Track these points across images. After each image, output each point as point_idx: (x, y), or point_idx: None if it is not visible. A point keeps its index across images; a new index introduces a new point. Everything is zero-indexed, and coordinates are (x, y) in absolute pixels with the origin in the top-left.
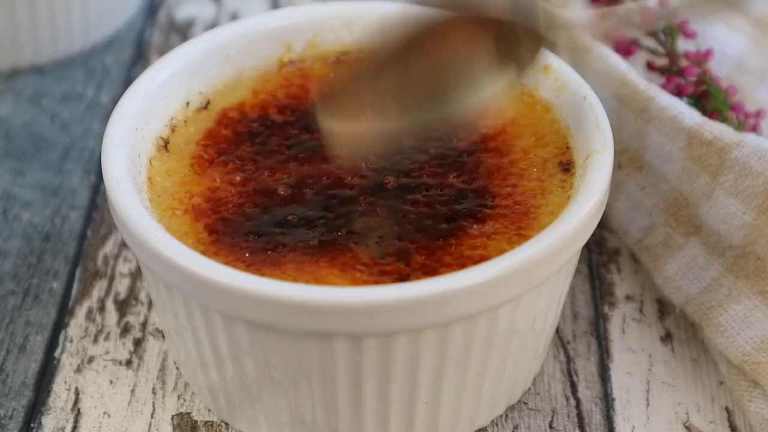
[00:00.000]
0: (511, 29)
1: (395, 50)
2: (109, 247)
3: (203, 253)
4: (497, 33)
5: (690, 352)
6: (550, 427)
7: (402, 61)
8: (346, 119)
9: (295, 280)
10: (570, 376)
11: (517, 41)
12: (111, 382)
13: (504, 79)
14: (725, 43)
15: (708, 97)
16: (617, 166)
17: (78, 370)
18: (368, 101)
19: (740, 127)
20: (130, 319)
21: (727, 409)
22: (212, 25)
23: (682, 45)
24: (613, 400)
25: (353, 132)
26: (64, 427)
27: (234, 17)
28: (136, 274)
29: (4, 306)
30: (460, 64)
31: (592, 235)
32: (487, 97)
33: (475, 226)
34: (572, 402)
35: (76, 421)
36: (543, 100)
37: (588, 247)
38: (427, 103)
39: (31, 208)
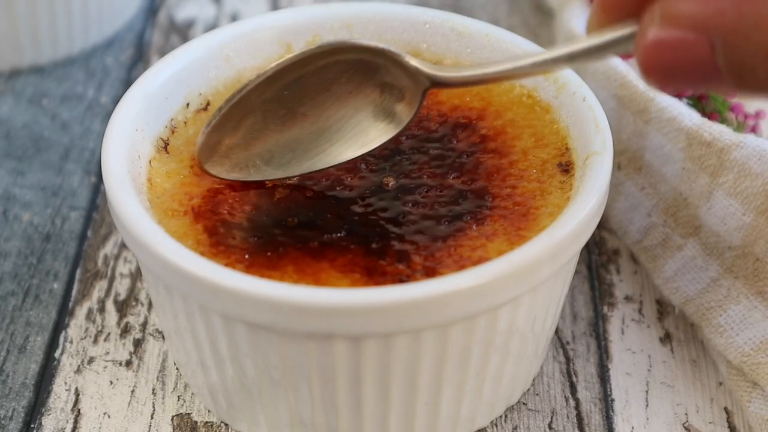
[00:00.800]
0: (394, 79)
1: (279, 97)
2: (109, 248)
3: (203, 254)
4: (381, 83)
5: (689, 352)
6: (550, 427)
7: (287, 107)
8: (233, 170)
9: (294, 281)
10: (569, 376)
11: (400, 91)
12: (111, 382)
13: (385, 132)
14: None
15: (707, 98)
16: (617, 166)
17: (78, 370)
18: (256, 151)
19: (740, 128)
20: (130, 319)
21: (726, 409)
22: (212, 25)
23: None
24: (612, 400)
25: (241, 179)
26: (64, 428)
27: (234, 18)
28: (136, 275)
29: (5, 306)
30: (345, 114)
31: (592, 236)
32: (367, 148)
33: (474, 227)
34: (571, 402)
35: (76, 422)
36: (542, 101)
37: (587, 248)
38: (313, 152)
39: (31, 208)
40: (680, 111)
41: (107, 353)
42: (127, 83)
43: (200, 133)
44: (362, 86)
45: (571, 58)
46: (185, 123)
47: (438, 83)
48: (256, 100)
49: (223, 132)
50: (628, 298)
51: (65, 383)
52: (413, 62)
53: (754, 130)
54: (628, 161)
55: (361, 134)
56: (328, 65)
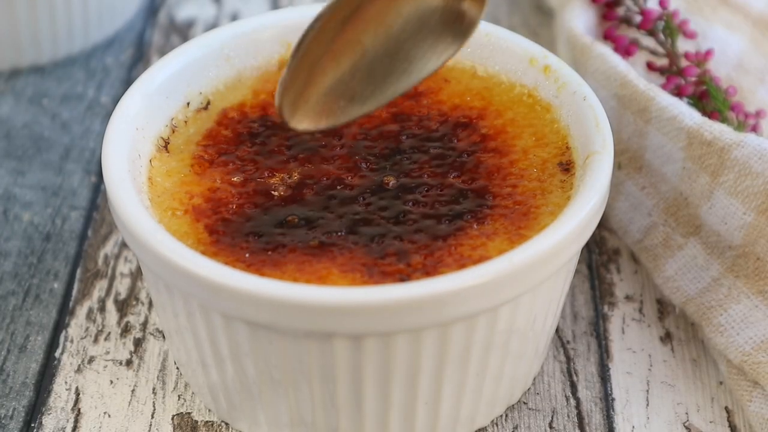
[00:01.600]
0: None
1: (342, 32)
2: (109, 247)
3: (203, 253)
4: None
5: (690, 352)
6: (550, 427)
7: (354, 40)
8: (321, 118)
9: (295, 280)
10: (570, 376)
11: None
12: (111, 382)
13: (460, 33)
14: (725, 44)
15: (708, 98)
16: (617, 166)
17: (78, 370)
18: (336, 93)
19: (740, 127)
20: (131, 319)
21: (726, 408)
22: (212, 25)
23: (682, 45)
24: (613, 400)
25: (331, 126)
26: (65, 427)
27: (234, 17)
28: (137, 274)
29: (5, 306)
30: (413, 29)
31: (592, 235)
32: (449, 53)
33: (475, 226)
34: (572, 402)
35: (76, 421)
36: (543, 101)
37: (588, 247)
38: (393, 75)
39: (31, 208)
40: (681, 110)
41: (107, 352)
42: (127, 83)
43: (276, 93)
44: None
45: None
46: (185, 122)
47: None
48: (320, 44)
49: (298, 86)
50: (628, 298)
51: (65, 382)
52: None
53: (754, 129)
54: (629, 161)
55: (437, 42)
56: None
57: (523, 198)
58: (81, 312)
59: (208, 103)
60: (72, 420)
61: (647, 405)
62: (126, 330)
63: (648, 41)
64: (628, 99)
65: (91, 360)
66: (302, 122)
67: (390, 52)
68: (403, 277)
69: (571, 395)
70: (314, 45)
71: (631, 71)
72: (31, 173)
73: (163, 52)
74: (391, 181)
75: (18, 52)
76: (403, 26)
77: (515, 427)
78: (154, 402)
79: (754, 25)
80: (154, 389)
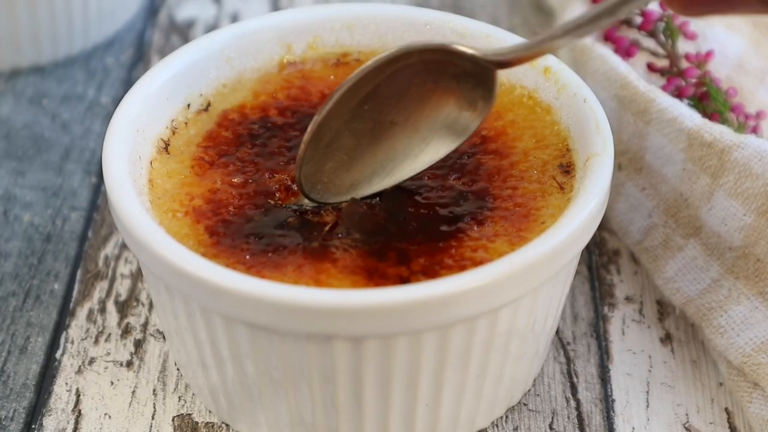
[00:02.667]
0: (463, 69)
1: (361, 113)
2: (109, 249)
3: (204, 255)
4: (454, 75)
5: (690, 353)
6: (550, 428)
7: (373, 118)
8: (340, 193)
9: (295, 282)
10: (570, 377)
11: (474, 78)
12: (112, 383)
13: (477, 117)
14: (725, 44)
15: (708, 99)
16: (617, 167)
17: (79, 371)
18: (356, 171)
19: (740, 128)
20: (131, 320)
21: (726, 410)
22: (213, 25)
23: (683, 46)
24: (613, 401)
25: (347, 204)
26: (65, 429)
27: (234, 18)
28: (137, 276)
29: (5, 307)
30: (433, 111)
31: (592, 237)
32: (465, 137)
33: (475, 228)
34: (572, 403)
35: (76, 423)
36: (543, 103)
37: (588, 249)
38: (410, 156)
39: (31, 209)
40: (681, 112)
41: (108, 354)
42: (128, 83)
43: (296, 168)
44: (438, 82)
45: (612, 12)
46: (186, 124)
47: (501, 64)
48: (338, 123)
49: (317, 163)
50: (628, 299)
51: (66, 384)
52: (471, 51)
53: (755, 130)
54: (629, 162)
55: (453, 126)
56: (396, 72)
57: (524, 200)
58: (81, 313)
59: (209, 104)
60: (72, 421)
61: (647, 406)
62: (126, 331)
63: (648, 42)
64: (628, 100)
65: (91, 361)
66: (321, 195)
67: (410, 133)
68: (404, 279)
69: (571, 396)
70: (331, 122)
71: (632, 72)
72: (31, 174)
73: (163, 52)
74: None
75: (18, 52)
76: (422, 110)
77: (515, 429)
78: (154, 403)
79: (754, 26)
80: (154, 390)
